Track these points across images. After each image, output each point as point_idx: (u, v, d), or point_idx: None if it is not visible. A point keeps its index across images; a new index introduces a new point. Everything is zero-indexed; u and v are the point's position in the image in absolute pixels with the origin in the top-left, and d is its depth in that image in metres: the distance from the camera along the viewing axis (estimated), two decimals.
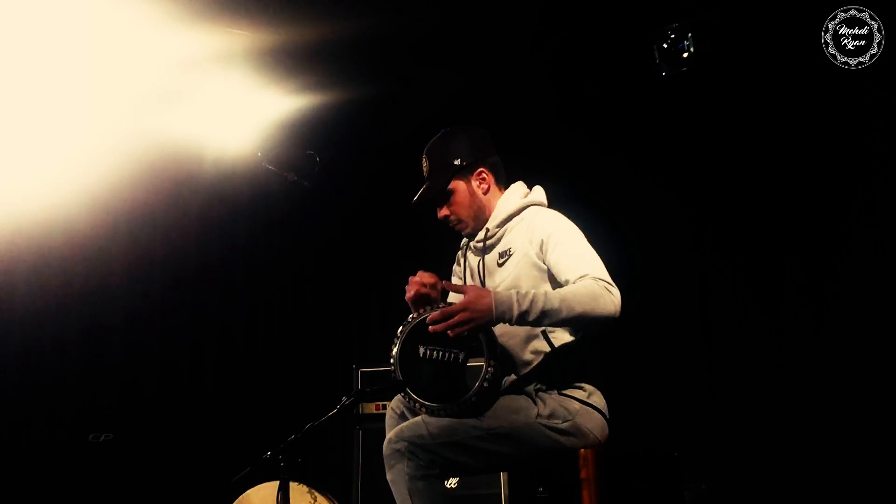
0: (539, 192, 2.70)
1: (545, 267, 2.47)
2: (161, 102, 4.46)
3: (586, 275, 2.33)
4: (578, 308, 2.25)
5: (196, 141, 4.69)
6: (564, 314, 2.25)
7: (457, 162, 2.64)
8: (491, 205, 2.67)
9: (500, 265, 2.56)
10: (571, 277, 2.36)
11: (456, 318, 2.25)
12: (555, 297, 2.26)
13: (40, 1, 3.71)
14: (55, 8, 3.76)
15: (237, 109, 4.57)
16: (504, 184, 2.72)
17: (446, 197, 2.65)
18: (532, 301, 2.25)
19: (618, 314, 2.29)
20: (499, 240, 2.62)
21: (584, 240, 2.48)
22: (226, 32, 4.04)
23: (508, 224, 2.62)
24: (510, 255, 2.54)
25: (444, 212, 2.68)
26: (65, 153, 4.50)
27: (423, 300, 2.53)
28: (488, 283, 2.59)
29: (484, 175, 2.66)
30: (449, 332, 2.27)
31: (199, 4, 3.85)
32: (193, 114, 4.55)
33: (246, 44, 4.15)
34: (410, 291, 2.54)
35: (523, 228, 2.57)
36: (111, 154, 4.52)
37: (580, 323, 2.33)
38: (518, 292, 2.29)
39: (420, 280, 2.54)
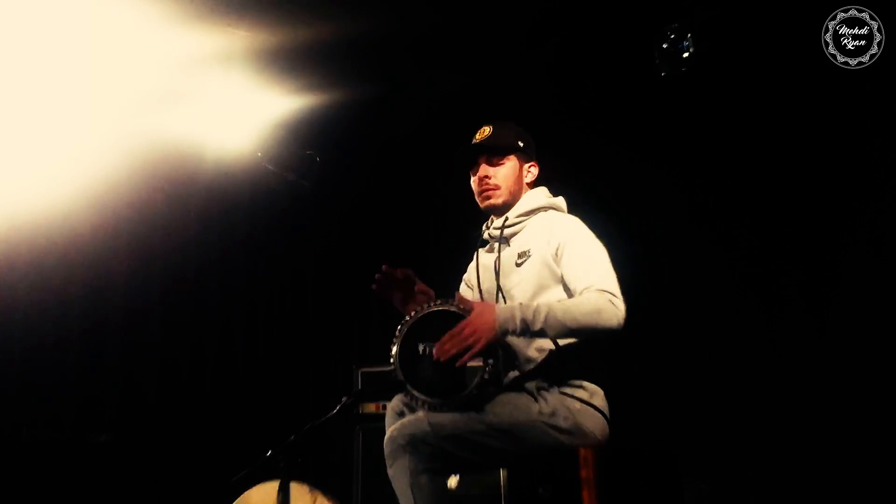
0: (562, 200, 2.75)
1: (559, 272, 2.49)
2: (161, 102, 4.47)
3: (592, 286, 2.35)
4: (582, 320, 2.28)
5: (196, 141, 4.69)
6: (568, 326, 2.29)
7: (521, 143, 2.72)
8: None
9: (518, 265, 2.58)
10: (578, 287, 2.40)
11: (461, 336, 2.27)
12: (558, 309, 2.29)
13: (41, 1, 3.72)
14: (55, 8, 3.76)
15: (237, 109, 4.58)
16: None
17: (500, 158, 2.69)
18: (535, 312, 2.28)
19: (621, 327, 2.30)
20: (515, 233, 2.65)
21: (601, 250, 2.50)
22: (226, 32, 4.05)
23: (528, 219, 2.65)
24: (529, 257, 2.56)
25: (486, 171, 2.69)
26: (65, 153, 4.50)
27: (409, 293, 2.66)
28: (503, 282, 2.60)
29: (534, 169, 2.75)
30: (457, 356, 2.26)
31: (199, 4, 3.85)
32: (193, 114, 4.55)
33: (246, 44, 4.15)
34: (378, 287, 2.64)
35: (542, 228, 2.59)
36: (111, 154, 4.52)
37: (583, 335, 2.36)
38: (521, 304, 2.33)
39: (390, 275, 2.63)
